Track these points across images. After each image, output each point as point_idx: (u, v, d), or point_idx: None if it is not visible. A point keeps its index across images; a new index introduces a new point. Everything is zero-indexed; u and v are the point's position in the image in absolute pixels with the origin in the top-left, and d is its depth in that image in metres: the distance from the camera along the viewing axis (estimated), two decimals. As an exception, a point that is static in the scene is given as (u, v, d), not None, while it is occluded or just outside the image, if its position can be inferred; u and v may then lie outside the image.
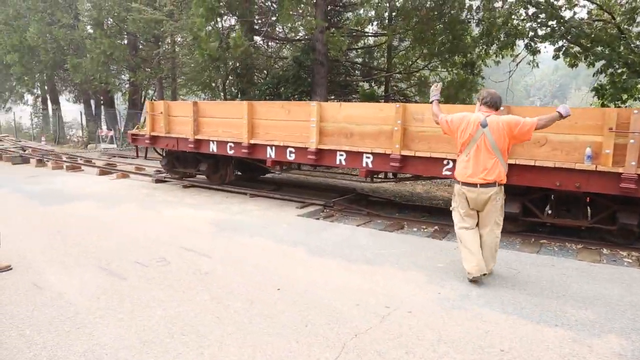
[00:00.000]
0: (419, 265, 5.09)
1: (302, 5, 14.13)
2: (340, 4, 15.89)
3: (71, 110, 30.87)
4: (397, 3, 12.62)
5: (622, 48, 10.82)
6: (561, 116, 4.30)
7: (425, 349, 3.25)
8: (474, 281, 4.52)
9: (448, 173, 6.57)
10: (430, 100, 4.99)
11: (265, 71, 17.61)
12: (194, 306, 3.91)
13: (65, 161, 14.79)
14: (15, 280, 4.48)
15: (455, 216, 4.69)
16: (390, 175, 8.64)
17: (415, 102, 15.79)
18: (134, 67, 20.72)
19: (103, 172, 12.53)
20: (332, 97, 16.36)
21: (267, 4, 15.79)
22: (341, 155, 7.43)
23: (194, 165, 10.41)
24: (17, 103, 30.72)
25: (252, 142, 8.39)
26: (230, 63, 14.98)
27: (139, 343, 3.29)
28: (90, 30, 20.97)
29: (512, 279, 4.72)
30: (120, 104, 31.43)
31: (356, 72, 17.66)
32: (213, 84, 16.42)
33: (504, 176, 4.42)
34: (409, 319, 3.71)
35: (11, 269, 4.69)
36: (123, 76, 24.35)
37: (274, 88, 14.47)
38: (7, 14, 23.51)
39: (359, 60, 17.87)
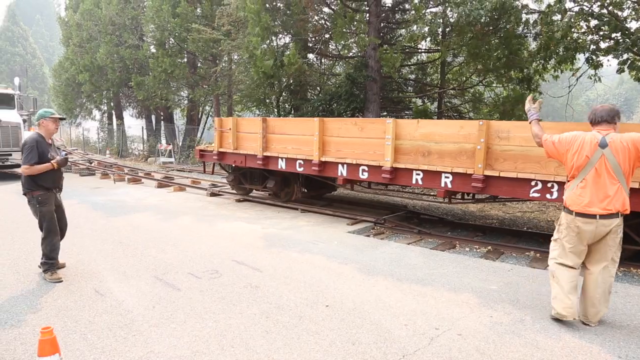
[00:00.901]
0: (470, 287, 4.95)
1: (355, 23, 14.26)
2: (394, 21, 15.92)
3: (134, 126, 32.48)
4: (451, 19, 12.46)
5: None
6: None
7: (476, 374, 3.16)
8: (559, 320, 4.07)
9: (536, 195, 6.11)
10: (529, 120, 4.48)
11: (318, 88, 17.83)
12: (243, 319, 3.99)
13: (127, 174, 15.53)
14: (80, 286, 4.74)
15: (555, 248, 4.15)
16: (465, 195, 8.19)
17: (469, 118, 15.49)
18: (192, 85, 21.58)
19: (161, 184, 13.05)
20: (385, 113, 16.33)
21: (320, 22, 16.04)
22: (418, 174, 7.14)
23: (261, 182, 10.35)
24: (86, 118, 32.66)
25: (323, 159, 8.22)
26: (284, 80, 15.28)
27: (190, 353, 3.38)
28: (154, 50, 22.08)
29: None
30: (179, 119, 32.72)
31: (409, 88, 17.55)
32: (267, 100, 16.79)
33: (627, 204, 3.83)
34: (459, 342, 3.62)
35: (65, 266, 5.28)
36: (182, 93, 25.39)
37: (326, 104, 14.61)
38: (82, 37, 25.27)
39: (412, 76, 17.77)
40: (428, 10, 13.24)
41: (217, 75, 19.29)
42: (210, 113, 25.48)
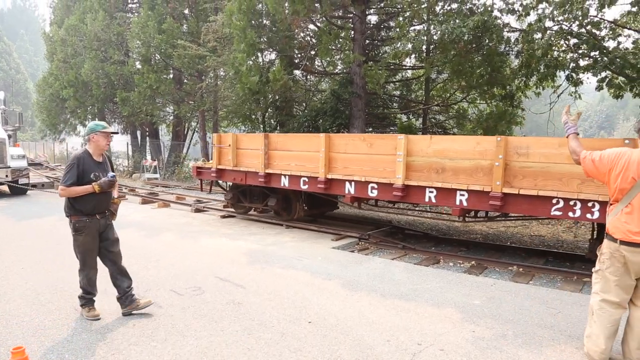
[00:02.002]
0: (453, 302, 4.97)
1: (340, 40, 14.44)
2: (379, 38, 16.14)
3: (119, 141, 32.23)
4: (434, 36, 12.68)
5: (671, 79, 10.47)
6: None
7: (458, 390, 3.16)
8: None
9: (558, 213, 5.94)
10: (566, 134, 4.05)
11: (304, 104, 17.94)
12: (225, 337, 3.96)
13: (111, 190, 15.36)
14: (59, 305, 4.68)
15: (597, 281, 3.65)
16: (477, 214, 8.08)
17: (454, 134, 15.68)
18: (178, 101, 21.57)
19: (145, 201, 12.94)
20: (370, 129, 16.45)
21: (306, 39, 16.21)
22: (431, 192, 6.90)
23: (261, 200, 10.05)
24: (70, 134, 32.36)
25: (330, 176, 7.96)
26: (270, 96, 15.35)
27: (171, 372, 3.34)
28: (139, 66, 22.07)
29: (552, 319, 4.55)
30: (164, 135, 32.59)
31: (394, 104, 17.74)
32: (253, 116, 16.83)
33: None
34: (442, 358, 3.63)
35: (99, 319, 4.37)
36: (168, 109, 25.35)
37: (312, 120, 14.69)
38: (66, 52, 25.16)
39: (397, 92, 17.98)
40: (412, 28, 13.47)
41: (202, 91, 19.31)
42: (196, 129, 25.44)
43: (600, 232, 6.46)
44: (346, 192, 7.89)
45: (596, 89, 11.83)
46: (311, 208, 10.09)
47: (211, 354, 3.64)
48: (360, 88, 13.64)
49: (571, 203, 5.81)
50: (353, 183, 7.76)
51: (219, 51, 16.05)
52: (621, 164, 3.43)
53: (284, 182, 8.75)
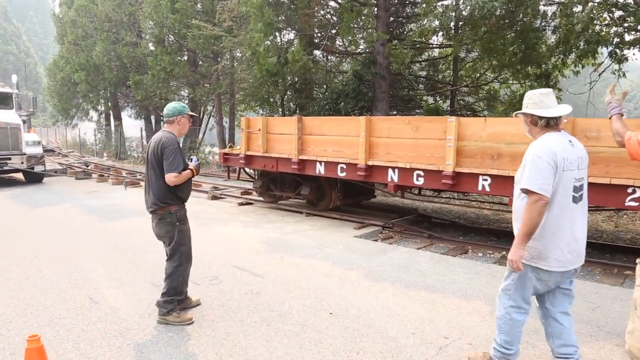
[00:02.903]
0: (482, 294, 4.95)
1: (362, 18, 14.29)
2: (403, 15, 15.93)
3: (133, 126, 32.72)
4: (463, 12, 12.45)
5: None
6: None
7: (487, 385, 3.16)
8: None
9: (633, 204, 5.60)
10: (610, 114, 3.81)
11: (324, 86, 17.89)
12: (244, 327, 4.02)
13: (124, 177, 15.65)
14: (74, 293, 4.80)
15: None
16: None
17: (484, 116, 15.45)
18: (193, 84, 21.73)
19: (160, 188, 13.12)
20: (394, 112, 16.33)
21: (327, 17, 16.09)
22: (485, 179, 6.57)
23: (293, 188, 9.82)
24: (83, 119, 32.95)
25: (370, 163, 7.68)
26: (289, 78, 15.35)
27: (188, 363, 3.42)
28: (152, 48, 22.27)
29: (590, 313, 4.49)
30: (179, 119, 32.91)
31: (420, 85, 17.56)
32: (271, 99, 16.88)
33: None
34: (469, 352, 3.62)
35: (192, 322, 4.16)
36: (182, 92, 25.57)
37: (333, 103, 14.65)
38: (77, 34, 25.52)
39: (423, 73, 17.77)
40: (439, 3, 13.24)
41: (218, 73, 19.41)
42: (212, 113, 25.61)
43: None
44: (389, 180, 7.58)
45: (642, 66, 11.49)
46: (346, 197, 9.75)
47: (229, 345, 3.70)
48: (384, 68, 13.52)
49: (629, 191, 5.51)
50: (396, 170, 7.47)
51: (235, 31, 16.06)
52: None
53: (320, 170, 8.50)
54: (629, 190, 5.57)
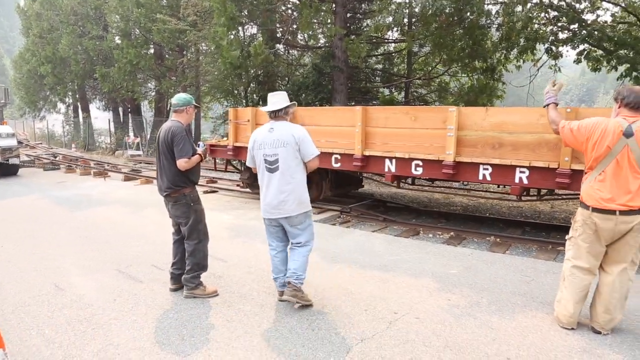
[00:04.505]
0: (431, 272, 5.06)
1: (321, 14, 14.23)
2: (360, 11, 15.95)
3: (101, 118, 31.74)
4: (416, 9, 12.57)
5: (647, 51, 10.55)
6: None
7: (431, 356, 3.24)
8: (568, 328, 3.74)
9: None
10: (545, 103, 4.09)
11: (286, 78, 17.78)
12: (206, 309, 3.99)
13: (92, 167, 15.20)
14: (40, 281, 4.65)
15: (570, 248, 3.74)
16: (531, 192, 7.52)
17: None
18: (159, 76, 21.20)
19: (128, 177, 12.83)
20: (352, 103, 16.37)
21: (288, 12, 15.94)
22: (485, 169, 6.40)
23: None
24: (51, 112, 31.71)
25: (367, 153, 7.39)
26: (252, 71, 15.16)
27: (150, 344, 3.37)
28: (118, 41, 21.56)
29: (526, 286, 4.66)
30: (147, 111, 32.12)
31: (376, 78, 17.66)
32: (235, 92, 16.64)
33: None
34: (417, 325, 3.71)
35: (217, 295, 4.35)
36: (149, 85, 24.93)
37: (294, 95, 14.58)
38: (42, 27, 24.45)
39: (379, 66, 17.88)
40: (394, 0, 13.31)
41: (184, 66, 19.01)
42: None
43: None
44: (386, 170, 7.32)
45: (575, 61, 11.91)
46: (337, 187, 9.50)
47: (191, 326, 3.67)
48: (342, 62, 13.54)
49: None
50: (394, 160, 7.20)
51: (200, 25, 15.74)
52: (598, 133, 3.44)
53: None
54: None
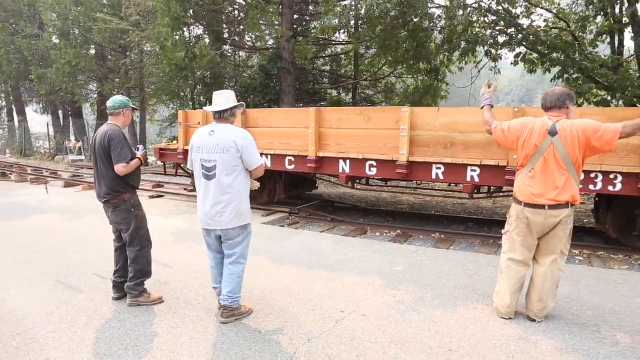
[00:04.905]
0: (377, 270, 5.17)
1: (268, 15, 14.20)
2: (307, 13, 16.04)
3: (40, 122, 30.20)
4: (361, 11, 12.78)
5: (576, 54, 11.18)
6: None
7: (376, 351, 3.32)
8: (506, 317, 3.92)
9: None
10: (481, 105, 4.26)
11: (234, 80, 17.60)
12: (150, 317, 3.90)
13: (29, 173, 14.47)
14: (-32, 296, 4.39)
15: (506, 241, 3.95)
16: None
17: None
18: (101, 78, 20.44)
19: (68, 184, 12.31)
20: (300, 104, 16.46)
21: (234, 13, 15.80)
22: (438, 168, 6.50)
23: None
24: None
25: (321, 154, 7.33)
26: (199, 72, 14.91)
27: (91, 356, 3.26)
28: (56, 40, 20.60)
29: (467, 279, 4.85)
30: (89, 114, 30.87)
31: (324, 79, 17.81)
32: (181, 93, 16.32)
33: (577, 195, 3.61)
34: (363, 322, 3.78)
35: (162, 301, 4.25)
36: (91, 86, 23.99)
37: (242, 96, 14.47)
38: (-32, 23, 22.99)
39: (327, 67, 18.03)
40: (339, 2, 13.47)
41: (127, 67, 18.43)
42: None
43: (608, 202, 6.55)
44: (340, 171, 7.30)
45: (512, 63, 12.45)
46: (290, 189, 9.45)
47: (135, 334, 3.58)
48: (289, 63, 13.56)
49: (592, 175, 5.72)
50: (348, 161, 7.20)
51: (143, 25, 15.32)
52: (526, 132, 3.63)
53: (266, 163, 7.98)
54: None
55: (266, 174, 8.69)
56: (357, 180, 8.27)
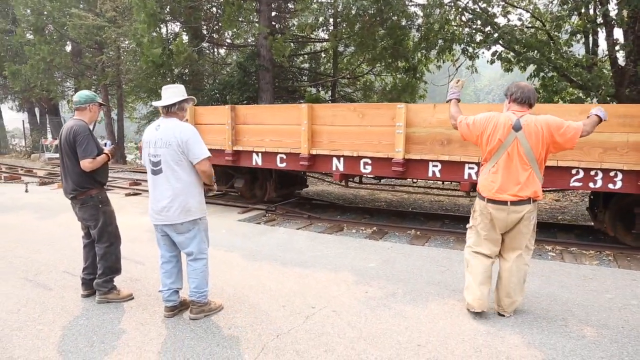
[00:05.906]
0: (351, 266, 5.19)
1: (245, 12, 14.12)
2: (285, 10, 15.99)
3: (15, 119, 29.59)
4: (339, 9, 12.80)
5: (552, 54, 11.37)
6: (600, 120, 3.62)
7: (345, 347, 3.33)
8: (476, 313, 3.91)
9: (577, 185, 5.73)
10: (448, 99, 4.21)
11: (212, 77, 17.48)
12: (119, 314, 3.87)
13: (4, 172, 14.18)
14: None
15: (471, 236, 3.94)
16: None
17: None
18: (77, 74, 20.10)
19: (44, 182, 12.11)
20: (279, 102, 16.42)
21: (212, 10, 15.67)
22: (435, 166, 6.38)
23: (226, 181, 9.04)
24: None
25: (314, 152, 7.14)
26: (177, 70, 14.77)
27: (56, 353, 3.22)
28: (30, 36, 20.17)
29: (440, 276, 4.90)
30: (66, 112, 30.34)
31: (303, 77, 17.78)
32: (159, 91, 16.13)
33: (540, 191, 3.61)
34: (333, 318, 3.80)
35: (133, 298, 4.23)
36: (67, 83, 23.56)
37: (220, 94, 14.39)
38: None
39: (306, 65, 18.01)
40: (318, 0, 13.47)
41: (104, 64, 18.15)
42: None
43: (605, 200, 6.51)
44: (334, 169, 7.14)
45: (489, 61, 12.59)
46: (281, 188, 9.23)
47: (102, 331, 3.54)
48: (268, 61, 13.51)
49: (592, 173, 5.63)
50: (342, 159, 7.03)
51: (119, 22, 15.11)
52: (491, 126, 3.61)
53: (257, 161, 7.81)
54: (573, 171, 5.73)
55: (255, 173, 8.87)
56: (351, 179, 8.14)
